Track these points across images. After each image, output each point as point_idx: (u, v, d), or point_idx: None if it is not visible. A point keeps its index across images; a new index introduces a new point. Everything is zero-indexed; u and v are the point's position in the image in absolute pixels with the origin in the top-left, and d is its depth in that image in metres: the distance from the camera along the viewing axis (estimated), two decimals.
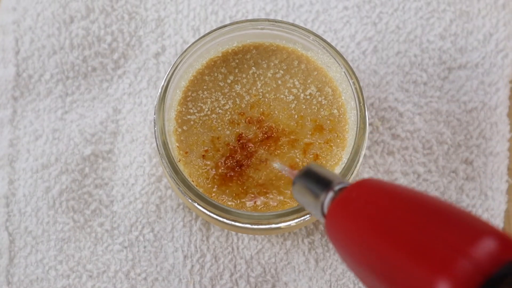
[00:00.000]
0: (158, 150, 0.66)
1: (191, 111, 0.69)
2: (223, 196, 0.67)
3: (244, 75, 0.70)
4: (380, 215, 0.47)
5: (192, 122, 0.68)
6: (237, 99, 0.69)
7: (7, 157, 0.74)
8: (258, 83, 0.69)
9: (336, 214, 0.51)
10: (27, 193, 0.73)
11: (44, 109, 0.75)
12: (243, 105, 0.69)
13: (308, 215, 0.65)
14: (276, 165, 0.66)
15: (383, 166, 0.74)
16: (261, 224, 0.65)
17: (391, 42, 0.77)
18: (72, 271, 0.72)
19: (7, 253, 0.73)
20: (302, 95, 0.69)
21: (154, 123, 0.66)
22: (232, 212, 0.64)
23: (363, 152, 0.66)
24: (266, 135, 0.68)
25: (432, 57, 0.76)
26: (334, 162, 0.67)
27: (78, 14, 0.77)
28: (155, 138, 0.66)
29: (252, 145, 0.67)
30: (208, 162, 0.67)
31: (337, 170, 0.67)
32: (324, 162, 0.67)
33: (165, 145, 0.65)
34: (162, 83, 0.67)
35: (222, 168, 0.67)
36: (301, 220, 0.65)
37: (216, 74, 0.70)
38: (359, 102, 0.66)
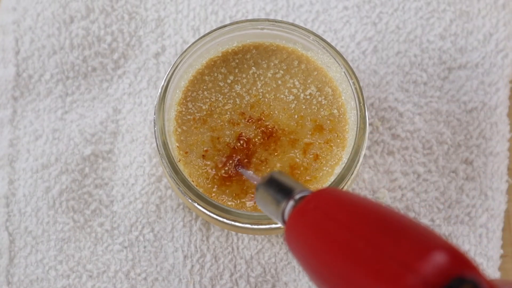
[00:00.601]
0: (158, 150, 0.66)
1: (191, 111, 0.69)
2: (223, 196, 0.67)
3: (244, 75, 0.70)
4: (335, 228, 0.47)
5: (192, 122, 0.68)
6: (237, 99, 0.69)
7: (7, 157, 0.74)
8: (258, 83, 0.69)
9: (294, 224, 0.50)
10: (27, 193, 0.73)
11: (44, 109, 0.75)
12: (243, 105, 0.69)
13: None
14: (242, 171, 0.65)
15: (383, 166, 0.74)
16: (261, 224, 0.65)
17: (391, 42, 0.77)
18: (72, 271, 0.72)
19: (7, 253, 0.73)
20: (302, 95, 0.69)
21: (154, 123, 0.66)
22: (232, 212, 0.64)
23: (363, 152, 0.66)
24: (266, 135, 0.68)
25: (432, 57, 0.76)
26: (334, 162, 0.67)
27: (78, 14, 0.77)
28: (155, 138, 0.66)
29: (252, 145, 0.67)
30: (208, 162, 0.67)
31: (337, 170, 0.67)
32: (324, 162, 0.67)
33: (165, 145, 0.65)
34: (162, 83, 0.67)
35: (222, 168, 0.67)
36: None
37: (216, 74, 0.70)
38: (359, 102, 0.66)
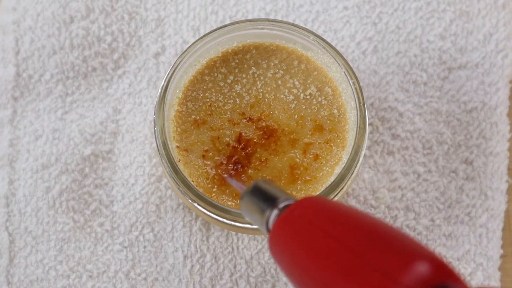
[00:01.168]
0: (158, 150, 0.66)
1: (191, 111, 0.69)
2: (223, 196, 0.67)
3: (244, 75, 0.70)
4: (319, 237, 0.47)
5: (192, 122, 0.68)
6: (237, 99, 0.69)
7: (7, 157, 0.74)
8: (258, 83, 0.69)
9: (278, 232, 0.50)
10: (27, 193, 0.73)
11: (44, 109, 0.75)
12: (243, 105, 0.69)
13: None
14: (229, 180, 0.65)
15: (383, 166, 0.74)
16: None
17: (391, 42, 0.77)
18: (72, 271, 0.72)
19: (7, 253, 0.73)
20: (302, 95, 0.69)
21: (154, 123, 0.66)
22: (232, 212, 0.64)
23: (363, 152, 0.66)
24: (266, 135, 0.68)
25: (432, 57, 0.76)
26: (334, 162, 0.67)
27: (78, 14, 0.77)
28: (155, 138, 0.66)
29: (252, 145, 0.67)
30: (208, 162, 0.67)
31: (337, 170, 0.67)
32: (324, 162, 0.67)
33: (165, 145, 0.65)
34: (162, 83, 0.67)
35: (222, 168, 0.67)
36: None
37: (216, 74, 0.70)
38: (359, 102, 0.66)
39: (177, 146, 0.68)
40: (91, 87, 0.76)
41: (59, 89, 0.76)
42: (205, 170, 0.67)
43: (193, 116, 0.69)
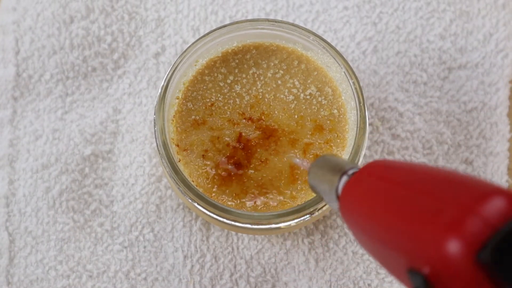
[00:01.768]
0: (158, 150, 0.66)
1: (191, 111, 0.69)
2: (223, 196, 0.67)
3: (244, 75, 0.70)
4: (391, 187, 0.48)
5: (192, 122, 0.68)
6: (237, 99, 0.69)
7: (7, 157, 0.74)
8: (258, 83, 0.69)
9: (349, 194, 0.52)
10: (27, 193, 0.73)
11: (44, 109, 0.75)
12: (243, 105, 0.69)
13: (308, 215, 0.65)
14: (294, 159, 0.67)
15: None
16: (261, 224, 0.65)
17: (391, 42, 0.77)
18: (72, 271, 0.72)
19: (7, 253, 0.73)
20: (302, 95, 0.69)
21: (154, 123, 0.66)
22: (232, 212, 0.64)
23: (363, 152, 0.66)
24: (266, 135, 0.68)
25: (432, 57, 0.76)
26: None
27: (78, 14, 0.77)
28: (155, 138, 0.66)
29: (252, 145, 0.67)
30: (208, 162, 0.67)
31: None
32: None
33: (165, 145, 0.65)
34: (162, 83, 0.67)
35: (222, 168, 0.67)
36: (301, 220, 0.65)
37: (216, 74, 0.70)
38: (359, 102, 0.66)
39: (177, 146, 0.68)
40: (91, 87, 0.76)
41: (59, 89, 0.76)
42: (205, 170, 0.67)
43: (193, 116, 0.69)
